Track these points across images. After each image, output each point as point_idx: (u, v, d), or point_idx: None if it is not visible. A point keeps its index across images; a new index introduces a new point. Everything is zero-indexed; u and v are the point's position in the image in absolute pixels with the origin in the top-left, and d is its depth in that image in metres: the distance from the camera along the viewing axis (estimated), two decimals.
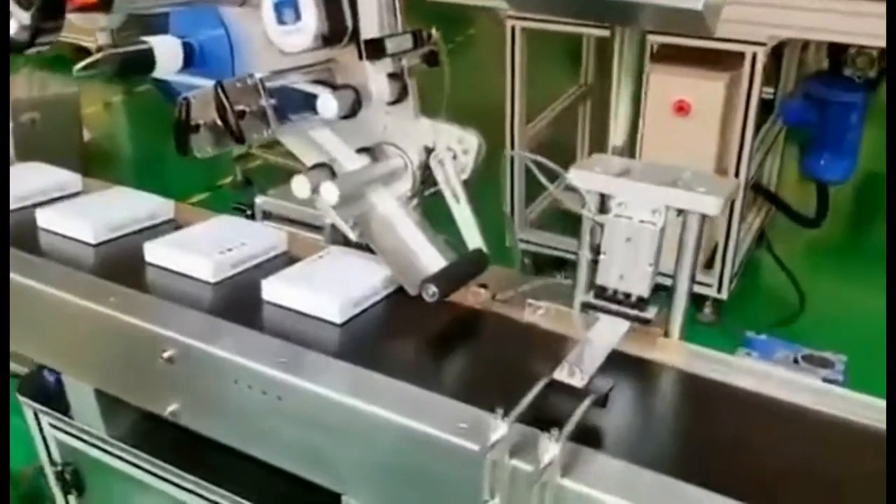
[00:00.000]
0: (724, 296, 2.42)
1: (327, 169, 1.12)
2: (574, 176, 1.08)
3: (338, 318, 1.09)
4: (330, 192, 1.07)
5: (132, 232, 1.34)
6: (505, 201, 2.37)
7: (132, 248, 1.25)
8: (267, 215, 1.46)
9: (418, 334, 1.10)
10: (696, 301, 2.48)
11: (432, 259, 1.16)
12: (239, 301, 1.15)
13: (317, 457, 0.97)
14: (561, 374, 0.91)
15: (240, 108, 1.07)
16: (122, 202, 1.41)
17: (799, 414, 0.95)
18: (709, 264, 2.43)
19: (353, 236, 1.11)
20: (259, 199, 1.45)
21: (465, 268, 1.13)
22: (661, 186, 1.03)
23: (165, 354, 1.03)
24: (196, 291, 1.17)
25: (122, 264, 1.23)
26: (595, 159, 1.14)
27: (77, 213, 1.35)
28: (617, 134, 1.19)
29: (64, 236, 1.31)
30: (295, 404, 0.95)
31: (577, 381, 0.90)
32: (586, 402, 0.88)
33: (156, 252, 1.24)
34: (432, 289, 1.05)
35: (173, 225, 1.38)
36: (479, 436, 0.84)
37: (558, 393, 0.90)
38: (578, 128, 3.10)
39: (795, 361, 1.14)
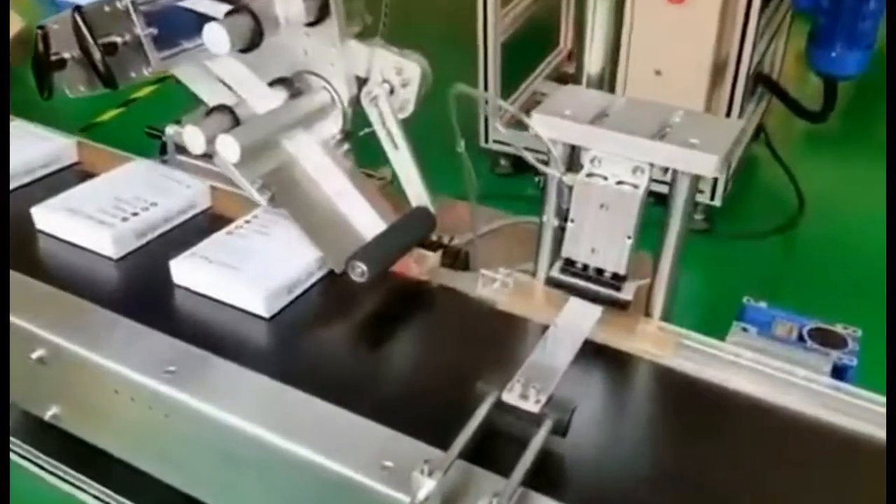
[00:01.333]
0: (717, 202, 2.22)
1: (227, 114, 0.89)
2: (536, 122, 0.86)
3: (264, 311, 0.88)
4: (228, 146, 0.85)
5: (22, 185, 1.12)
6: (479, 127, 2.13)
7: (19, 211, 1.03)
8: (182, 150, 1.23)
9: (348, 325, 0.90)
10: None
11: (368, 223, 0.95)
12: (143, 284, 0.94)
13: (212, 483, 0.80)
14: (511, 396, 0.72)
15: (108, 39, 0.83)
16: (16, 143, 1.17)
17: (812, 432, 0.77)
18: None
19: (262, 202, 0.89)
20: (170, 130, 1.20)
21: (403, 235, 0.93)
22: (644, 139, 0.82)
23: (34, 355, 0.84)
24: (92, 270, 0.96)
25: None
26: (565, 95, 0.92)
27: None
28: (596, 30, 0.96)
29: None
30: (183, 424, 0.77)
31: (531, 405, 0.71)
32: (540, 435, 0.70)
33: (45, 218, 1.02)
34: (360, 267, 0.85)
35: (76, 172, 1.16)
36: (407, 480, 0.66)
37: (508, 416, 0.72)
38: (562, 9, 2.78)
39: (801, 338, 0.96)
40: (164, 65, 0.88)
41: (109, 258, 0.97)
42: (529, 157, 0.88)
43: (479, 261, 1.09)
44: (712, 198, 2.21)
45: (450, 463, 0.66)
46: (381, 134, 0.95)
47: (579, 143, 0.85)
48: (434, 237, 1.18)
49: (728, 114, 2.11)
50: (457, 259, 1.10)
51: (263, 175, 0.90)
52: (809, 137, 2.74)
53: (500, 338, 0.87)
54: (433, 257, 0.97)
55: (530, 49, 2.62)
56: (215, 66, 0.93)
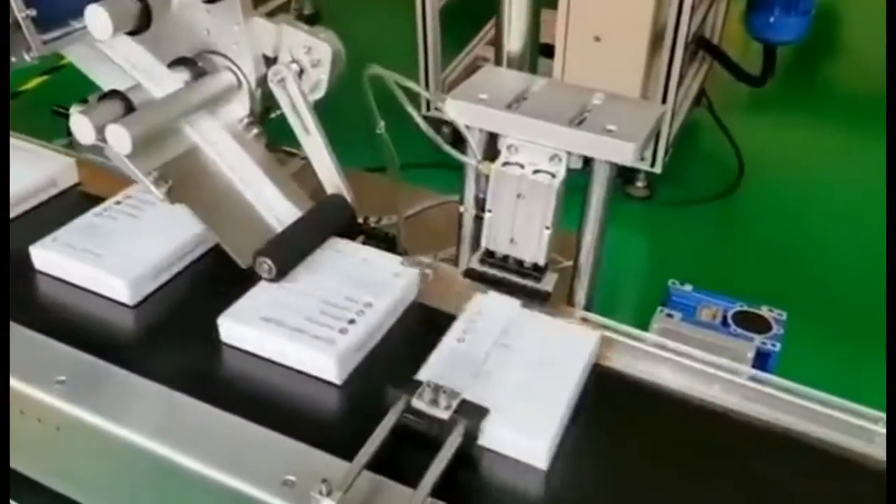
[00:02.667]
0: (658, 170, 2.21)
1: (119, 100, 0.83)
2: (451, 108, 0.82)
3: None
4: (118, 136, 0.79)
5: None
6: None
7: None
8: None
9: None
10: (627, 173, 2.27)
11: (281, 214, 0.90)
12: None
13: (112, 498, 0.75)
14: (420, 402, 0.69)
15: None
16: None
17: (732, 424, 0.76)
18: None
19: (159, 195, 0.83)
20: (75, 109, 1.12)
21: (316, 226, 0.88)
22: (560, 126, 0.78)
23: None
24: None
25: None
26: (483, 77, 0.87)
27: None
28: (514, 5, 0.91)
29: None
30: (76, 438, 0.72)
31: (441, 412, 0.68)
32: (450, 443, 0.67)
33: None
34: (266, 263, 0.81)
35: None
36: (308, 493, 0.63)
37: (420, 422, 0.69)
38: None
39: (725, 322, 0.95)
40: (48, 48, 0.81)
41: None
42: (445, 146, 0.84)
43: (404, 245, 1.06)
44: (652, 165, 2.20)
45: (352, 479, 0.62)
46: (291, 118, 0.90)
47: (494, 130, 0.81)
48: (361, 219, 1.14)
49: (667, 79, 2.08)
50: (384, 243, 1.07)
51: (161, 166, 0.84)
52: (752, 102, 2.74)
53: (418, 333, 0.83)
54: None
55: (477, 12, 2.56)
56: (107, 48, 0.86)
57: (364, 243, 1.04)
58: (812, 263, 2.06)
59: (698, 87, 2.50)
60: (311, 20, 3.14)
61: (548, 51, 2.03)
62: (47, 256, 0.87)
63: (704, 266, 1.99)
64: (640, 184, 2.29)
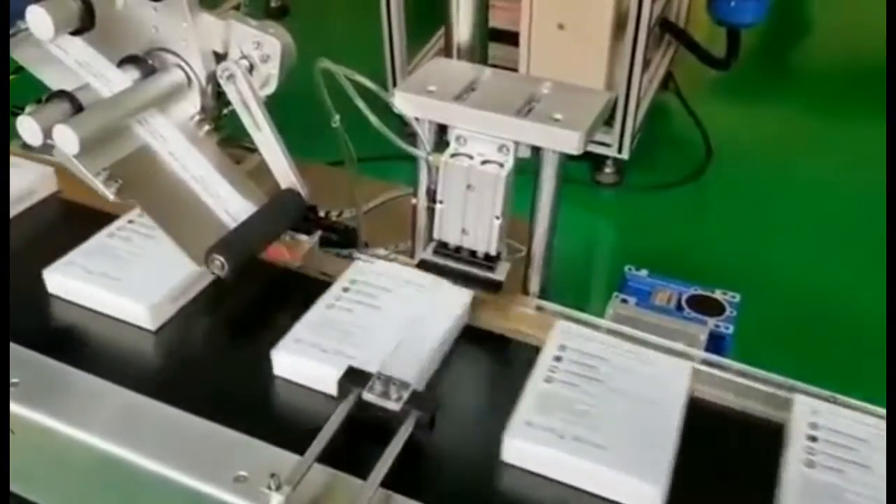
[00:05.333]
0: (625, 156, 2.22)
1: (67, 101, 0.83)
2: (399, 100, 0.82)
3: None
4: (65, 137, 0.78)
5: None
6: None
7: None
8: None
9: (199, 322, 0.86)
10: (595, 160, 2.28)
11: (235, 211, 0.90)
12: None
13: (74, 500, 0.76)
14: (371, 395, 0.70)
15: None
16: None
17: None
18: (607, 121, 2.20)
19: (109, 196, 0.83)
20: (30, 109, 1.11)
21: (269, 222, 0.88)
22: (506, 116, 0.79)
23: None
24: None
25: None
26: (432, 69, 0.88)
27: None
28: None
29: None
30: (30, 441, 0.73)
31: (392, 404, 0.69)
32: (402, 434, 0.68)
33: None
34: (218, 259, 0.81)
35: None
36: (260, 490, 0.63)
37: (373, 414, 0.70)
38: None
39: (679, 306, 0.96)
40: None
41: None
42: (395, 139, 0.84)
43: (365, 237, 1.07)
44: (619, 151, 2.22)
45: (303, 473, 0.63)
46: (242, 114, 0.90)
47: (442, 122, 0.81)
48: (322, 213, 1.14)
49: (631, 64, 2.10)
50: (344, 236, 1.07)
51: (111, 165, 0.83)
52: (719, 85, 2.76)
53: None
54: (307, 242, 0.93)
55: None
56: (55, 49, 0.86)
57: (323, 237, 1.05)
58: (775, 246, 2.09)
59: (665, 71, 2.51)
60: (279, 14, 3.12)
61: (499, 36, 2.03)
62: (62, 280, 0.85)
63: (671, 250, 2.01)
64: (608, 170, 2.30)
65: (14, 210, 0.98)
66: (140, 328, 0.82)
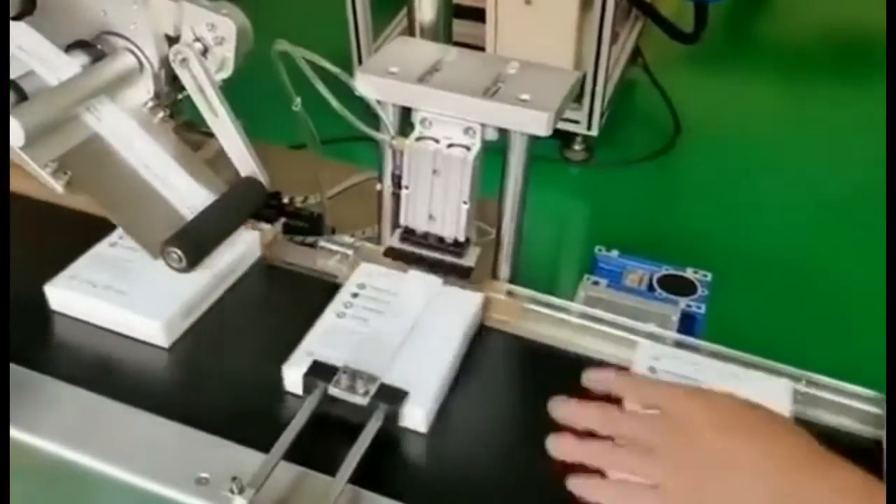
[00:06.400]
0: (594, 132, 2.20)
1: (11, 90, 0.79)
2: (360, 83, 0.79)
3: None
4: (10, 128, 0.75)
5: None
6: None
7: None
8: None
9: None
10: (565, 138, 2.26)
11: (193, 201, 0.87)
12: None
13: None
14: (337, 389, 0.68)
15: None
16: None
17: None
18: (576, 98, 2.18)
19: (58, 188, 0.79)
20: None
21: (228, 211, 0.85)
22: (471, 97, 0.76)
23: None
24: None
25: None
26: (395, 49, 0.85)
27: None
28: None
29: None
30: None
31: (359, 399, 0.67)
32: (369, 429, 0.66)
33: None
34: (175, 253, 0.78)
35: None
36: (222, 493, 0.61)
37: (341, 409, 0.68)
38: None
39: (651, 287, 0.94)
40: None
41: None
42: (357, 122, 0.81)
43: (332, 223, 1.04)
44: (589, 128, 2.20)
45: (267, 473, 0.61)
46: (197, 99, 0.86)
47: (405, 104, 0.79)
48: (287, 199, 1.11)
49: (599, 38, 2.08)
50: (310, 223, 1.04)
51: (60, 156, 0.79)
52: (687, 60, 2.74)
53: None
54: (268, 231, 0.91)
55: None
56: None
57: (287, 224, 1.02)
58: (743, 221, 2.09)
59: (633, 45, 2.49)
60: None
61: (464, 13, 2.00)
62: (66, 296, 0.79)
63: (642, 228, 2.00)
64: (577, 147, 2.29)
65: None
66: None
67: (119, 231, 0.85)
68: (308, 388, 0.68)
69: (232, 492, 0.58)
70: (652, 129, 2.46)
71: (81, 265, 0.81)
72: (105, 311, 0.78)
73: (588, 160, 2.30)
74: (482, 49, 2.10)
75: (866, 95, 2.61)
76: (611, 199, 2.20)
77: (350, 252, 0.87)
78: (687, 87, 2.59)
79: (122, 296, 0.78)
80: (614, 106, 2.35)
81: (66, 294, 0.79)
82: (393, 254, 0.84)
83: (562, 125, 2.21)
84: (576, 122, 2.19)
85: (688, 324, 0.89)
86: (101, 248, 0.84)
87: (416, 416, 0.68)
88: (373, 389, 0.67)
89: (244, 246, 0.86)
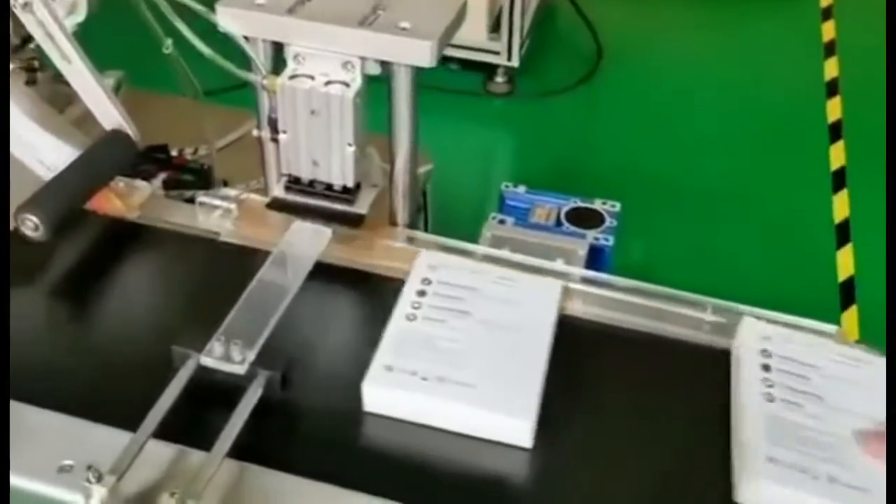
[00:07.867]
0: (515, 63, 2.13)
1: None
2: (223, 16, 0.71)
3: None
4: None
5: None
6: None
7: None
8: None
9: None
10: (487, 70, 2.19)
11: (55, 163, 0.78)
12: None
13: None
14: (210, 359, 0.62)
15: None
16: None
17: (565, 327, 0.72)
18: (494, 28, 2.11)
19: None
20: None
21: (90, 171, 0.77)
22: (346, 28, 0.69)
23: None
24: None
25: None
26: None
27: None
28: None
29: None
30: None
31: (236, 367, 0.61)
32: (248, 399, 0.60)
33: None
34: (31, 220, 0.70)
35: None
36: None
37: (216, 379, 0.62)
38: None
39: (558, 222, 0.90)
40: None
41: None
42: (225, 62, 0.73)
43: (223, 175, 0.97)
44: (509, 58, 2.13)
45: (133, 455, 0.55)
46: (47, 46, 0.77)
47: (274, 38, 0.71)
48: (175, 152, 1.03)
49: None
50: (200, 176, 0.97)
51: None
52: None
53: (219, 280, 0.75)
54: (143, 188, 0.83)
55: None
56: None
57: (174, 178, 0.95)
58: (661, 150, 2.06)
59: None
60: None
61: None
62: (388, 395, 0.63)
63: (562, 160, 1.96)
64: (499, 79, 2.22)
65: None
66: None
67: (406, 296, 0.69)
68: (179, 361, 0.62)
69: (89, 481, 0.52)
70: (574, 58, 2.40)
71: (388, 352, 0.64)
72: (448, 411, 0.62)
73: (510, 92, 2.24)
74: None
75: (785, 22, 2.60)
76: (530, 132, 2.14)
77: (233, 206, 0.80)
78: (609, 12, 2.52)
79: (468, 390, 0.62)
80: (535, 35, 2.28)
81: (389, 393, 0.63)
82: (277, 204, 0.78)
83: (482, 56, 2.14)
84: (496, 52, 2.12)
85: (597, 256, 0.85)
86: (400, 325, 0.66)
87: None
88: (251, 356, 0.62)
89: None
